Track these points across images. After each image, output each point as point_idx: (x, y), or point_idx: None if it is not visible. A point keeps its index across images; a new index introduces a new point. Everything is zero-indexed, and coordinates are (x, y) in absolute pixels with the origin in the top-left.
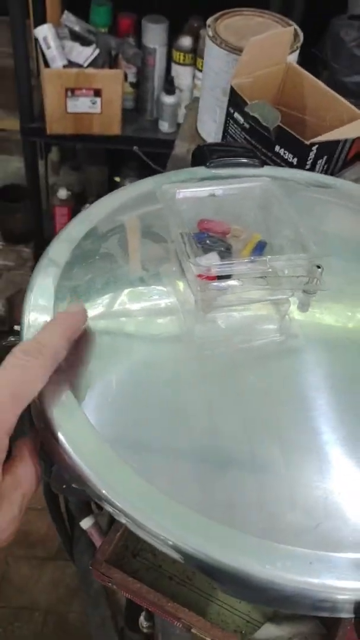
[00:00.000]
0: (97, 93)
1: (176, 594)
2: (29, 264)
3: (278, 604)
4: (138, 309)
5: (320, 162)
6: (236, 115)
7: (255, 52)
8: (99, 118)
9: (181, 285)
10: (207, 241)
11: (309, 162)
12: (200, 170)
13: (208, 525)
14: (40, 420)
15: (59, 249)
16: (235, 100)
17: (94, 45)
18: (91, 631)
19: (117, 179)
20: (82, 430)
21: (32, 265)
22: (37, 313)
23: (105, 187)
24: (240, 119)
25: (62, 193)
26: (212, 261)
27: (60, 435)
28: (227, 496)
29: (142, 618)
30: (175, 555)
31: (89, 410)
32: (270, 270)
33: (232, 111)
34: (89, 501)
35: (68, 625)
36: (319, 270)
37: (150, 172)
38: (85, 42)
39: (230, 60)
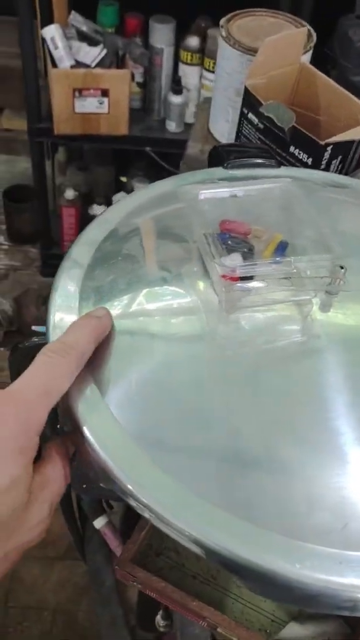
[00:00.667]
0: (105, 93)
1: (200, 593)
2: (35, 264)
3: (304, 603)
4: (160, 309)
5: (335, 162)
6: (250, 115)
7: (269, 53)
8: (107, 118)
9: (203, 285)
10: (230, 242)
11: (323, 162)
12: (218, 171)
13: (235, 522)
14: (65, 415)
15: (81, 251)
16: (250, 101)
17: (101, 46)
18: (101, 630)
19: (124, 179)
20: (107, 426)
21: (38, 266)
22: (62, 313)
23: (112, 187)
24: (255, 120)
25: (69, 193)
26: (236, 262)
27: (86, 430)
28: (251, 495)
29: (159, 617)
30: (201, 553)
31: (113, 407)
32: (294, 271)
33: (246, 112)
34: (101, 500)
35: (77, 625)
36: (342, 270)
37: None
38: (92, 42)
39: (243, 61)
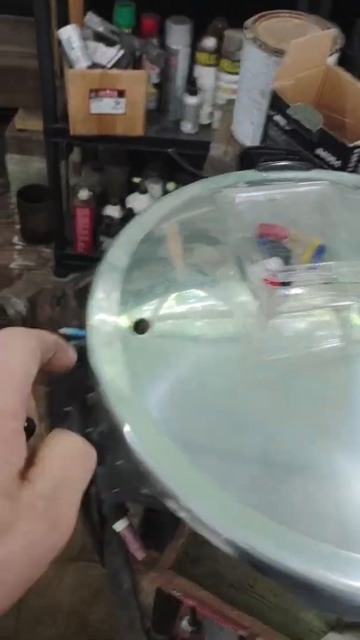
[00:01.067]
0: (121, 94)
1: (236, 601)
2: (49, 264)
3: (351, 613)
4: (198, 313)
5: None
6: (277, 117)
7: (296, 55)
8: (123, 119)
9: (240, 289)
10: (268, 246)
11: (351, 165)
12: (249, 174)
13: (278, 529)
14: (105, 417)
15: (118, 254)
16: (277, 103)
17: (118, 46)
18: (119, 632)
19: (136, 180)
20: (147, 428)
21: (52, 266)
22: (102, 316)
23: (125, 188)
24: (281, 122)
25: (84, 194)
26: (276, 266)
27: (127, 433)
28: (295, 503)
29: (185, 622)
30: (243, 560)
31: (153, 410)
32: (334, 276)
33: (272, 114)
34: (123, 504)
35: (90, 627)
36: None
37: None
38: (109, 42)
39: (269, 63)
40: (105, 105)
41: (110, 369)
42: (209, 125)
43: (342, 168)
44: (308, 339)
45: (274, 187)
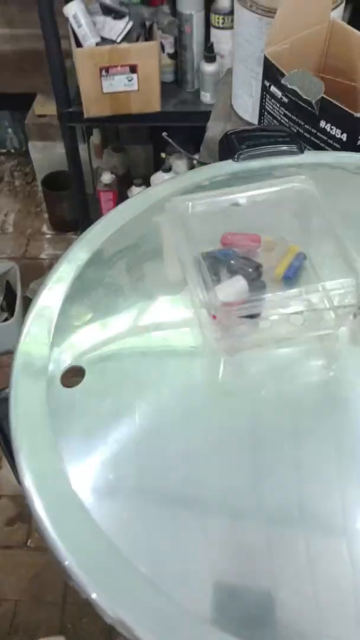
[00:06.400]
0: (133, 69)
1: None
2: None
3: None
4: (148, 354)
5: None
6: (273, 89)
7: (290, 13)
8: (137, 96)
9: (199, 321)
10: (232, 261)
11: None
12: (228, 165)
13: None
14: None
15: (61, 276)
16: (271, 72)
17: (126, 18)
18: None
19: (164, 155)
20: (71, 520)
21: None
22: (33, 353)
23: (151, 165)
24: (278, 93)
25: (106, 177)
26: (231, 293)
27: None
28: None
29: None
30: None
31: (81, 491)
32: (305, 303)
33: (267, 84)
34: None
35: None
36: None
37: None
38: (117, 15)
39: (262, 25)
40: (118, 82)
41: (30, 425)
42: (211, 115)
43: (350, 142)
44: (282, 378)
45: (241, 189)
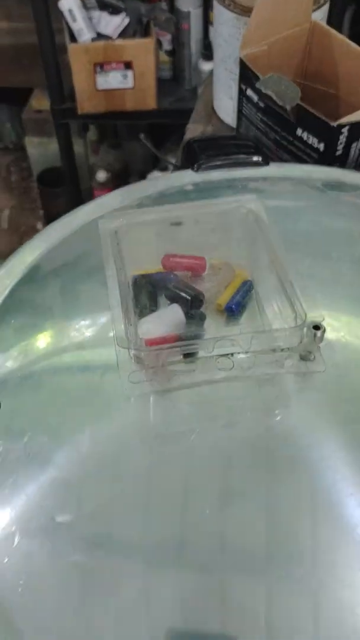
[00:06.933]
0: (128, 66)
1: None
2: None
3: None
4: (70, 385)
5: (355, 147)
6: (249, 92)
7: (267, 12)
8: (132, 93)
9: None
10: (172, 286)
11: (339, 148)
12: (187, 176)
13: None
14: None
15: None
16: (247, 75)
17: (123, 14)
18: None
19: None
20: None
21: None
22: None
23: (148, 161)
24: (254, 97)
25: (101, 175)
26: (168, 324)
27: None
28: None
29: None
30: None
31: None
32: (238, 348)
33: (244, 87)
34: None
35: None
36: (318, 332)
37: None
38: (114, 10)
39: (241, 25)
40: (112, 79)
41: None
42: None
43: (328, 152)
44: (221, 422)
45: (187, 206)
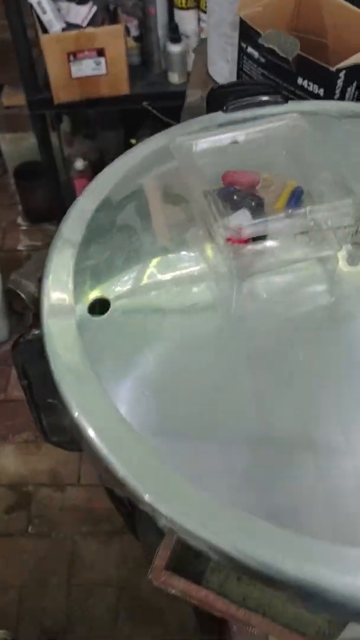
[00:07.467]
0: (100, 53)
1: (247, 596)
2: None
3: None
4: (166, 283)
5: (350, 90)
6: (249, 50)
7: None
8: (106, 79)
9: (211, 250)
10: (235, 197)
11: (337, 92)
12: (217, 117)
13: (272, 530)
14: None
15: (72, 227)
16: (247, 34)
17: (90, 3)
18: (163, 605)
19: (133, 141)
20: (113, 429)
21: None
22: (56, 298)
23: (122, 150)
24: (255, 54)
25: (79, 164)
26: (242, 220)
27: (91, 437)
28: (290, 497)
29: None
30: (241, 571)
31: (119, 403)
32: (312, 223)
33: (244, 46)
34: None
35: (142, 600)
36: None
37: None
38: (81, 0)
39: None
40: (86, 67)
41: (68, 358)
42: (188, 83)
43: (328, 96)
44: (291, 299)
45: (237, 128)
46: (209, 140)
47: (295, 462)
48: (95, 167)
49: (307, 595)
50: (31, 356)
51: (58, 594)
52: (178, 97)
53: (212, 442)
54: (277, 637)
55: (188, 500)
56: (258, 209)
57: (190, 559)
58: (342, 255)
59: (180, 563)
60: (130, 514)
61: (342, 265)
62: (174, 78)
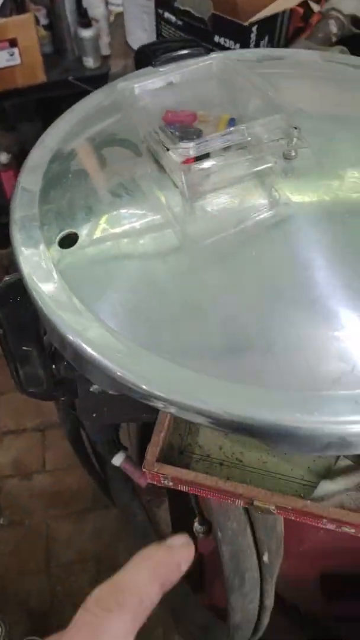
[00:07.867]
0: (13, 43)
1: (230, 477)
2: None
3: (331, 449)
4: (124, 215)
5: (263, 43)
6: (166, 15)
7: None
8: (21, 69)
9: (162, 183)
10: (177, 132)
11: (252, 46)
12: (147, 72)
13: (248, 391)
14: (60, 341)
15: (29, 178)
16: (163, 0)
17: None
18: None
19: None
20: (104, 335)
21: None
22: (27, 247)
23: None
24: (172, 18)
25: (3, 157)
26: (189, 145)
27: (85, 345)
28: (257, 365)
29: (196, 524)
30: (226, 428)
31: (104, 317)
32: (249, 139)
33: (161, 12)
34: (114, 440)
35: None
36: (297, 130)
37: None
38: None
39: None
40: (0, 58)
41: (48, 289)
42: (110, 55)
43: None
44: (239, 213)
45: (171, 71)
46: (147, 83)
47: (258, 342)
48: (20, 160)
49: (283, 437)
50: (3, 303)
51: (38, 576)
52: (96, 80)
53: (187, 331)
54: (262, 500)
55: (178, 382)
56: (199, 138)
57: (176, 456)
58: (276, 169)
59: (167, 460)
60: (104, 481)
61: (278, 178)
62: (89, 62)
